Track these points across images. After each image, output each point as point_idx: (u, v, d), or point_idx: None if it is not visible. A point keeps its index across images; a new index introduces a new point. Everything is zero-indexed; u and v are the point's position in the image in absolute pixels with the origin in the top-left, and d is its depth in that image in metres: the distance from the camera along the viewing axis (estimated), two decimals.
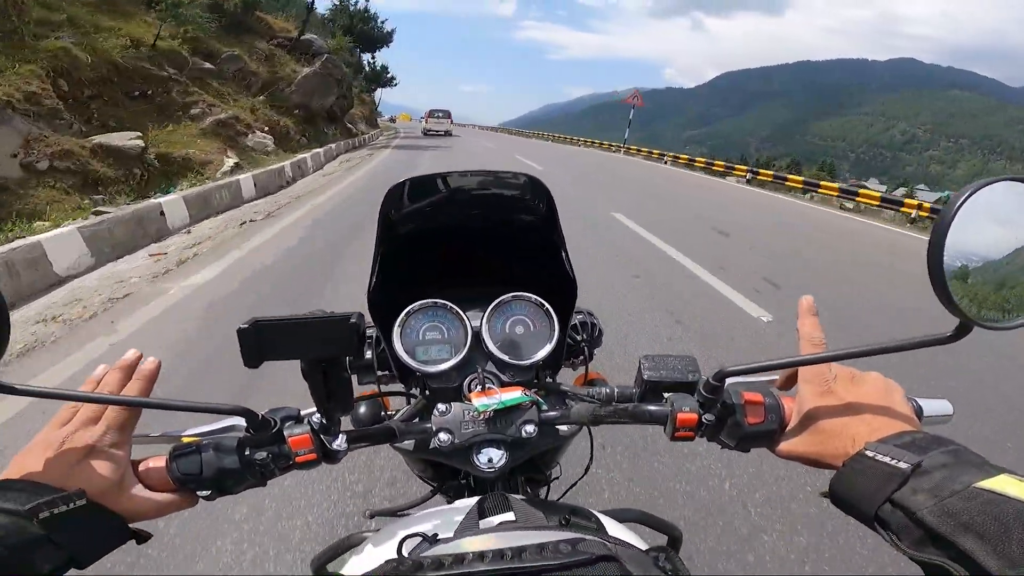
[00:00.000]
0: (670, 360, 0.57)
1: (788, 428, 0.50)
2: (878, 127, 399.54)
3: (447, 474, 0.73)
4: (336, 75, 15.67)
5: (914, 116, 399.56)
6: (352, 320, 0.46)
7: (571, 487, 0.79)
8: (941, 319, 0.39)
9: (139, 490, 0.47)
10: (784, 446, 0.49)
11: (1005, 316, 0.41)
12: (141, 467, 0.48)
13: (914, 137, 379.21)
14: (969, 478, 0.36)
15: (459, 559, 0.36)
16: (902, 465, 0.38)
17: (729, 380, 0.50)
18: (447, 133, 29.23)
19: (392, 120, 57.19)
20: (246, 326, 0.45)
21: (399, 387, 0.71)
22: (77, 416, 0.46)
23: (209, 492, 0.49)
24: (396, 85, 36.66)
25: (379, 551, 0.51)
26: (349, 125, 19.87)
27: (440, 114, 30.10)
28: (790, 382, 0.54)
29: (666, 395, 0.55)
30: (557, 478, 0.77)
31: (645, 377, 0.56)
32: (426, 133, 29.11)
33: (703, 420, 0.51)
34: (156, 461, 0.49)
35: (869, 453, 0.41)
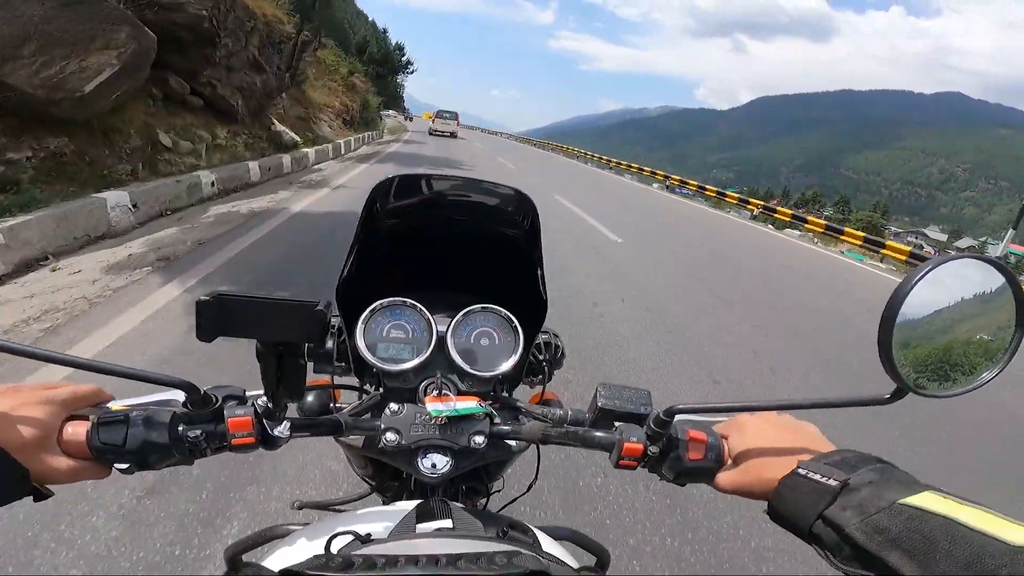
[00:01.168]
0: (626, 392, 0.59)
1: (724, 465, 0.53)
2: (916, 163, 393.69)
3: (387, 474, 0.74)
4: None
5: (955, 154, 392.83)
6: (318, 307, 0.46)
7: (511, 502, 0.80)
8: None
9: (55, 452, 0.46)
10: (722, 481, 0.53)
11: (943, 386, 0.45)
12: (64, 431, 0.47)
13: (952, 176, 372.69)
14: (894, 495, 0.38)
15: (392, 561, 0.36)
16: (831, 482, 0.41)
17: (677, 417, 0.53)
18: (453, 135, 31.06)
19: (408, 119, 53.04)
20: (207, 298, 0.44)
21: (353, 381, 0.73)
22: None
23: (128, 466, 0.48)
24: (413, 71, 33.83)
25: (309, 545, 0.51)
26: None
27: (447, 115, 32.00)
28: (729, 425, 0.56)
29: (617, 424, 0.58)
30: (498, 491, 0.78)
31: (600, 404, 0.58)
32: (432, 133, 30.85)
33: (648, 451, 0.54)
34: (78, 426, 0.47)
35: (802, 471, 0.44)
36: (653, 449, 0.54)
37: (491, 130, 66.26)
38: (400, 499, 0.70)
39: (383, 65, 29.65)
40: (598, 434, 0.57)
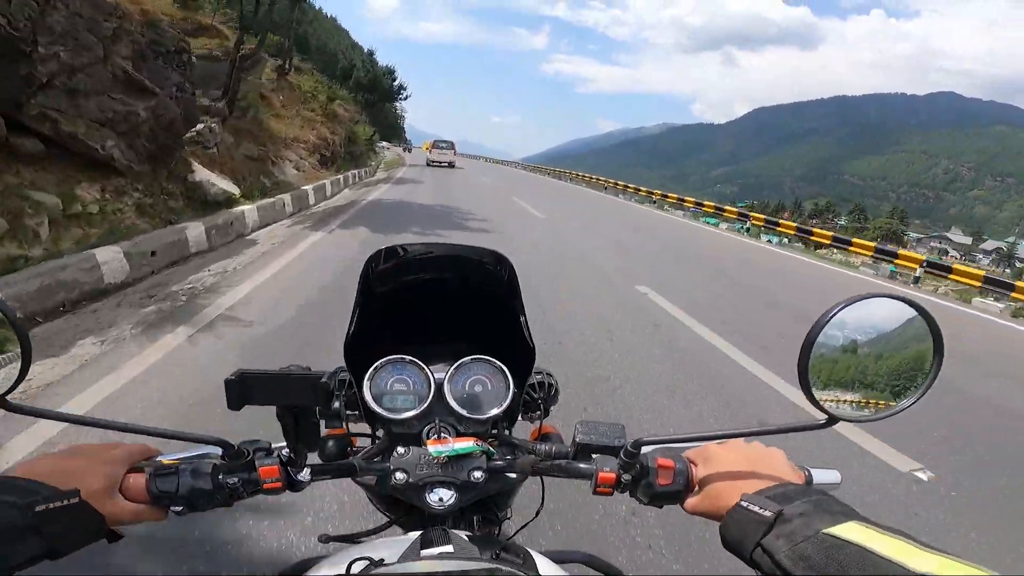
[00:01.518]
0: (601, 427, 0.66)
1: (693, 490, 0.59)
2: (919, 165, 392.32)
3: (402, 508, 0.80)
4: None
5: (957, 154, 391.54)
6: (323, 379, 0.61)
7: (522, 527, 0.84)
8: None
9: (120, 500, 0.55)
10: (689, 504, 0.59)
11: (866, 411, 0.52)
12: (125, 482, 0.56)
13: (957, 176, 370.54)
14: (820, 524, 0.43)
15: None
16: (767, 513, 0.46)
17: (645, 448, 0.61)
18: (451, 164, 30.26)
19: (406, 149, 52.24)
20: (232, 377, 0.57)
21: (365, 427, 0.82)
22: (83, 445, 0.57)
23: (181, 508, 0.58)
24: (406, 98, 33.02)
25: (331, 572, 0.57)
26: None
27: (444, 145, 31.23)
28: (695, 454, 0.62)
29: (594, 456, 0.65)
30: (508, 519, 0.84)
31: (577, 440, 0.66)
32: (429, 164, 30.09)
33: (621, 479, 0.61)
34: (138, 478, 0.57)
35: (743, 504, 0.49)
36: (626, 477, 0.61)
37: (495, 159, 63.35)
38: (416, 529, 0.75)
39: (372, 91, 28.59)
40: (579, 465, 0.65)
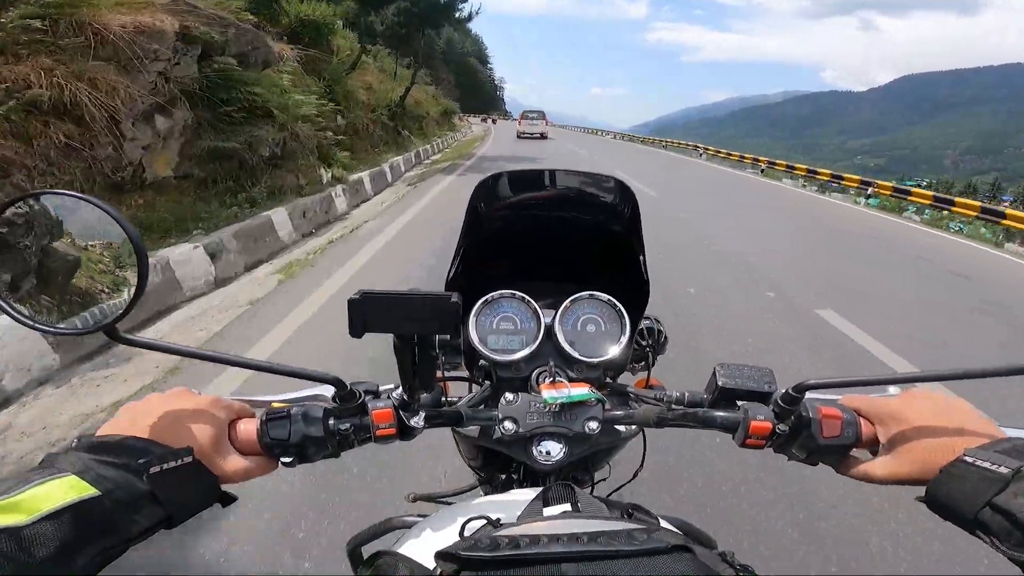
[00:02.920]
0: (746, 370, 0.59)
1: (861, 445, 0.54)
2: None
3: (495, 465, 0.77)
4: None
5: None
6: (453, 300, 0.50)
7: (615, 489, 0.80)
8: None
9: (230, 452, 0.51)
10: (868, 469, 0.52)
11: None
12: (233, 431, 0.52)
13: None
14: None
15: (534, 540, 0.37)
16: (1003, 470, 0.41)
17: (808, 394, 0.54)
18: (542, 136, 28.32)
19: (492, 121, 49.66)
20: (356, 297, 0.49)
21: (462, 372, 0.77)
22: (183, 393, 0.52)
23: (291, 459, 0.53)
24: (468, 18, 22.14)
25: (438, 535, 0.53)
26: None
27: (534, 115, 29.16)
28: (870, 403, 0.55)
29: (740, 403, 0.58)
30: (604, 480, 0.79)
31: (720, 383, 0.59)
32: (520, 136, 28.14)
33: (776, 430, 0.54)
34: (248, 424, 0.53)
35: (968, 459, 0.44)
36: (782, 428, 0.55)
37: (593, 129, 57.44)
38: (511, 488, 0.72)
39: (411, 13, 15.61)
40: (719, 414, 0.58)
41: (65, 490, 0.39)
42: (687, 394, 0.65)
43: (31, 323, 0.46)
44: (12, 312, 0.45)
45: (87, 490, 0.39)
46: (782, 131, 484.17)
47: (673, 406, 0.63)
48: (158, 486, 0.43)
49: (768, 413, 0.55)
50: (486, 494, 0.78)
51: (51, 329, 0.48)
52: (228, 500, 0.50)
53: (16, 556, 0.35)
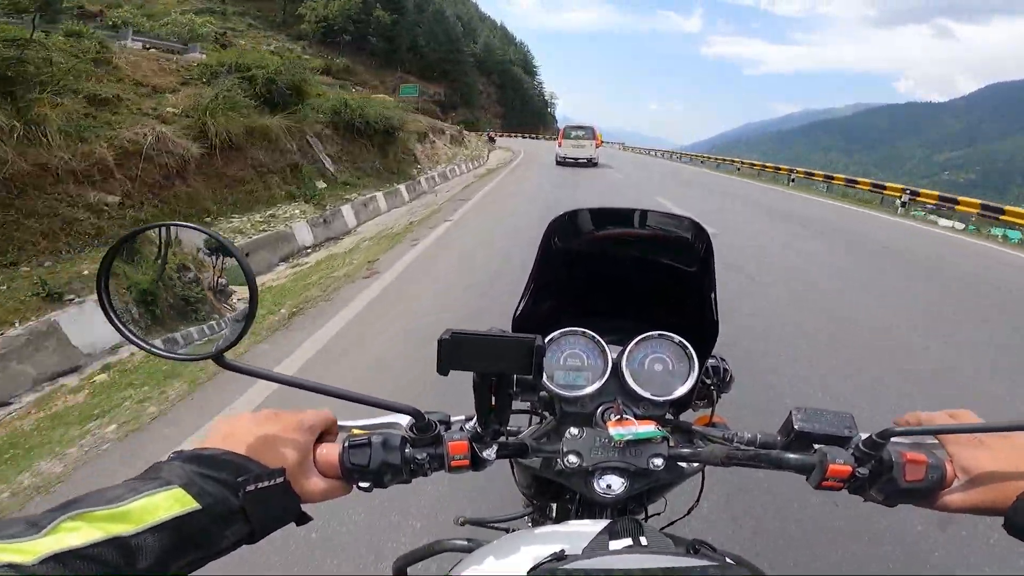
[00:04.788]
0: (826, 415, 0.59)
1: (952, 485, 0.54)
2: None
3: (550, 494, 0.77)
4: None
5: None
6: (537, 343, 0.53)
7: (668, 524, 0.79)
8: None
9: (313, 473, 0.53)
10: (948, 500, 0.53)
11: None
12: (316, 453, 0.54)
13: None
14: None
15: (608, 574, 0.39)
16: None
17: (893, 439, 0.54)
18: (591, 162, 20.58)
19: (487, 135, 35.94)
20: (447, 337, 0.52)
21: (522, 403, 0.78)
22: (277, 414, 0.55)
23: (368, 484, 0.56)
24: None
25: (502, 563, 0.53)
26: None
27: (580, 132, 21.12)
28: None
29: (816, 447, 0.58)
30: (658, 514, 0.79)
31: (797, 427, 0.59)
32: (560, 163, 20.57)
33: (856, 474, 0.54)
34: (329, 448, 0.55)
35: None
36: (862, 471, 0.55)
37: (646, 149, 48.76)
38: (566, 518, 0.73)
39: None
40: (793, 456, 0.58)
41: (171, 503, 0.41)
42: (759, 435, 0.65)
43: (147, 347, 0.50)
44: (130, 336, 0.49)
45: (190, 504, 0.42)
46: (856, 144, 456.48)
47: (743, 447, 0.63)
48: (250, 503, 0.45)
49: (847, 457, 0.55)
50: (536, 521, 0.83)
51: (166, 354, 0.52)
52: (304, 520, 0.52)
53: (118, 565, 0.37)
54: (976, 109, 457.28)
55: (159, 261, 0.53)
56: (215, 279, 0.59)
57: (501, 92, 78.99)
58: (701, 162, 30.39)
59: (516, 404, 0.76)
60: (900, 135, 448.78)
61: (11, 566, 0.33)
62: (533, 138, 56.61)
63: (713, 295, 0.73)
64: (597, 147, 21.15)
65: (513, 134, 59.24)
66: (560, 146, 21.18)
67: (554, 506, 0.77)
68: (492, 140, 34.39)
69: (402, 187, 11.82)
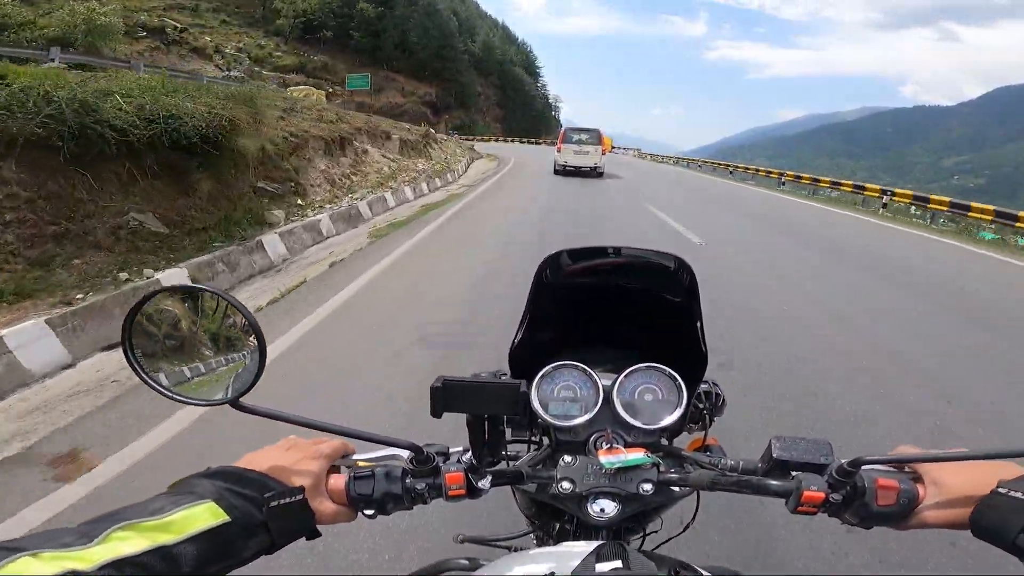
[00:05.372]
0: (803, 443, 0.62)
1: (916, 510, 0.57)
2: None
3: (548, 515, 0.80)
4: None
5: None
6: (522, 388, 0.61)
7: (665, 541, 0.83)
8: None
9: (324, 497, 0.58)
10: (919, 519, 0.57)
11: None
12: (328, 481, 0.60)
13: None
14: None
15: None
16: None
17: (864, 467, 0.58)
18: (595, 171, 16.98)
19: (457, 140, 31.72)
20: (438, 384, 0.59)
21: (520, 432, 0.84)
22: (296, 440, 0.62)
23: (372, 512, 0.61)
24: None
25: None
26: None
27: (582, 137, 17.23)
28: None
29: (794, 473, 0.60)
30: (655, 532, 0.82)
31: (775, 455, 0.61)
32: (559, 172, 17.14)
33: (830, 499, 0.57)
34: (337, 479, 0.60)
35: (1002, 490, 0.50)
36: (835, 497, 0.58)
37: (682, 158, 41.46)
38: (564, 539, 0.75)
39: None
40: (773, 483, 0.61)
41: (207, 515, 0.46)
42: (742, 462, 0.67)
43: (168, 393, 0.54)
44: (156, 387, 0.54)
45: (222, 516, 0.47)
46: (863, 149, 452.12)
47: (727, 472, 0.66)
48: (272, 517, 0.50)
49: (822, 483, 0.58)
50: (539, 540, 0.86)
51: (184, 399, 0.56)
52: (315, 535, 0.57)
53: (163, 571, 0.41)
54: (983, 114, 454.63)
55: (195, 325, 0.58)
56: (226, 334, 0.59)
57: (501, 94, 74.45)
58: (713, 168, 27.58)
59: (512, 434, 0.83)
60: (908, 140, 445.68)
61: (74, 572, 0.36)
62: (533, 143, 51.50)
63: (700, 324, 0.76)
64: (604, 153, 17.41)
65: (508, 139, 53.95)
66: (559, 151, 17.36)
67: (556, 526, 0.79)
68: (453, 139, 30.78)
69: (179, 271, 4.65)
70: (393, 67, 51.35)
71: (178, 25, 31.17)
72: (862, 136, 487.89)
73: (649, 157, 41.40)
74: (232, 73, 25.68)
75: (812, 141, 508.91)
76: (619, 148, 46.73)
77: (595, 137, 17.22)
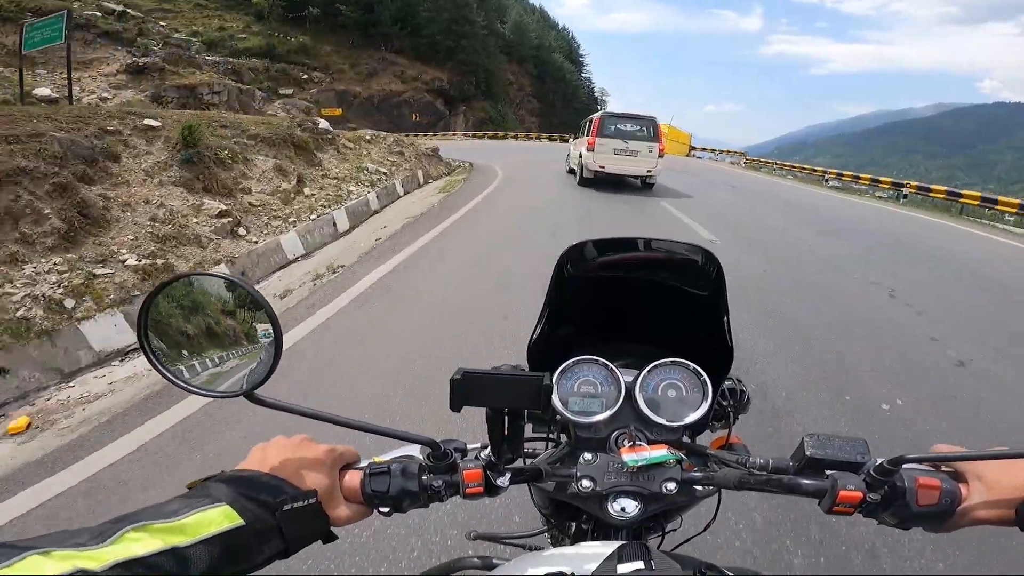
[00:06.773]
0: (838, 441, 0.59)
1: (962, 505, 0.55)
2: None
3: (566, 514, 0.77)
4: None
5: None
6: (545, 381, 0.56)
7: (685, 541, 0.80)
8: None
9: (341, 499, 0.57)
10: (962, 519, 0.56)
11: None
12: (341, 480, 0.58)
13: None
14: None
15: None
16: None
17: (905, 466, 0.55)
18: (644, 182, 11.44)
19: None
20: (458, 376, 0.56)
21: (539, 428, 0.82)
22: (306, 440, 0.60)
23: (388, 509, 0.59)
24: None
25: None
26: None
27: (632, 127, 11.13)
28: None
29: (828, 472, 0.58)
30: (674, 531, 0.79)
31: (808, 454, 0.59)
32: (590, 176, 11.17)
33: (867, 499, 0.55)
34: (352, 476, 0.59)
35: None
36: (873, 496, 0.56)
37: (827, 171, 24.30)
38: (581, 539, 0.74)
39: None
40: (806, 482, 0.59)
41: (221, 519, 0.46)
42: (771, 460, 0.65)
43: (183, 385, 0.54)
44: (171, 377, 0.53)
45: (236, 520, 0.46)
46: (940, 147, 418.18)
47: (755, 471, 0.63)
48: (285, 522, 0.50)
49: (859, 482, 0.56)
50: (554, 539, 0.83)
51: (200, 391, 0.55)
52: (331, 539, 0.56)
53: (174, 572, 0.41)
54: None
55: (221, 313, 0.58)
56: (242, 323, 0.60)
57: (539, 84, 65.66)
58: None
59: (531, 430, 0.80)
60: (989, 137, 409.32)
61: (83, 572, 0.36)
62: (564, 140, 40.60)
63: (727, 319, 0.73)
64: (658, 159, 11.08)
65: (540, 136, 43.32)
66: (592, 149, 10.93)
67: (573, 525, 0.77)
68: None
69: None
70: (393, 47, 42.53)
71: (116, 9, 24.99)
72: (939, 133, 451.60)
73: (768, 163, 25.75)
74: (142, 60, 19.42)
75: (883, 138, 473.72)
76: (703, 150, 32.79)
77: (649, 129, 11.15)
